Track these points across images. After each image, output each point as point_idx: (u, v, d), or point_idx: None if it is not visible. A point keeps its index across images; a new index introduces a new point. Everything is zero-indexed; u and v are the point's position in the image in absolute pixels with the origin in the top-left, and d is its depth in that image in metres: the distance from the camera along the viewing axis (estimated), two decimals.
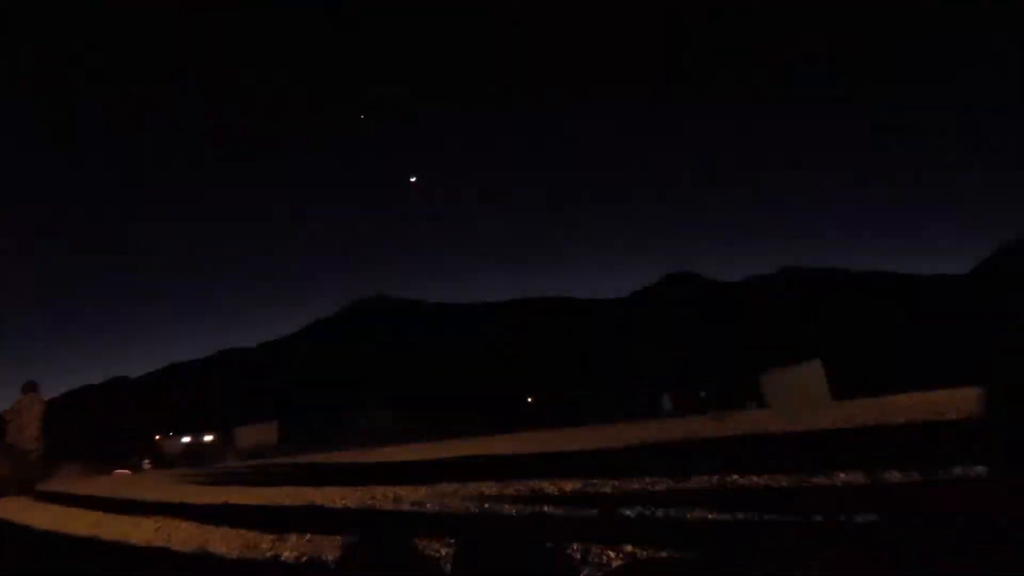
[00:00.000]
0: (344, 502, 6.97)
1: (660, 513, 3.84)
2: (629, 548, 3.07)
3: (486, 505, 5.35)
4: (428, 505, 5.85)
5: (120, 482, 14.01)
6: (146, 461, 38.93)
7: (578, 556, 3.00)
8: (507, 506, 5.12)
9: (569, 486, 5.91)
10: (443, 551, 3.31)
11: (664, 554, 2.87)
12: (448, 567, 2.85)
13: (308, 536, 4.24)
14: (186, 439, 45.40)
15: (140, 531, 5.47)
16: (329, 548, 3.75)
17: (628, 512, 4.03)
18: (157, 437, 61.73)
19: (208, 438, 45.52)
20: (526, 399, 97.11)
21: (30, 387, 9.73)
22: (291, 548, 3.93)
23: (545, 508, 4.66)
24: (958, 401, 11.06)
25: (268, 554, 3.77)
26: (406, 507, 5.83)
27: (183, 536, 4.76)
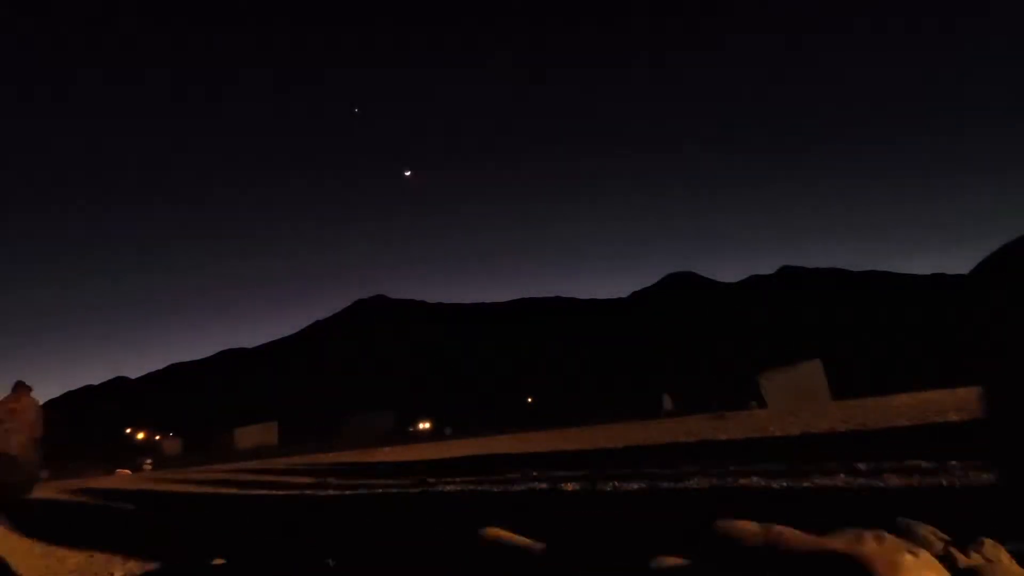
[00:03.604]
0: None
1: (659, 514, 3.84)
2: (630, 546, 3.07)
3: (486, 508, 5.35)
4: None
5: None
6: (147, 461, 38.84)
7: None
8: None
9: (570, 487, 5.90)
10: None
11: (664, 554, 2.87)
12: None
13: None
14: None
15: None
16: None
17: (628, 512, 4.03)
18: (157, 437, 61.69)
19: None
20: (526, 399, 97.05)
21: (24, 388, 9.01)
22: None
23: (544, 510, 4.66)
24: (958, 401, 11.07)
25: None
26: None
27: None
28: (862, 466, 4.77)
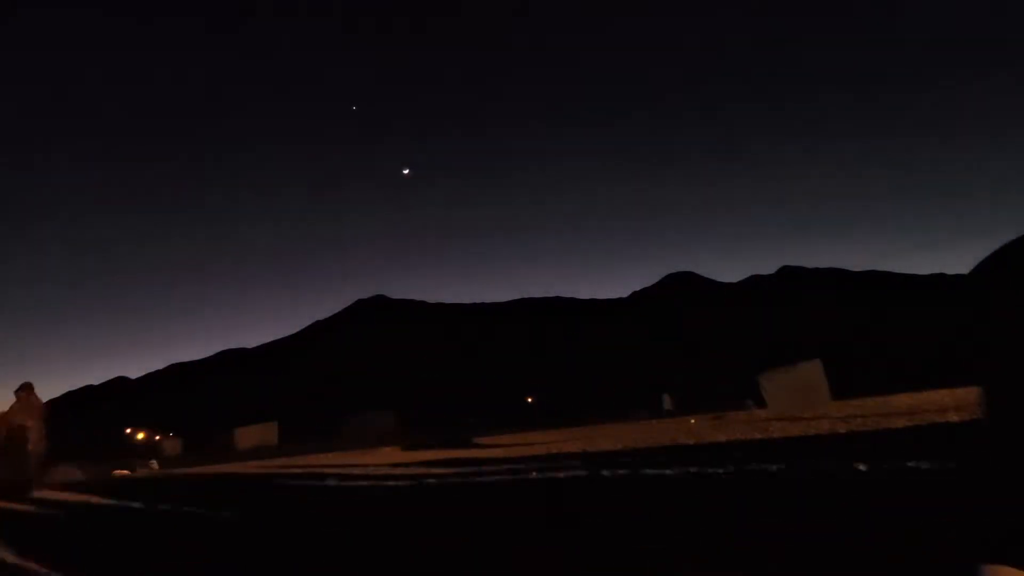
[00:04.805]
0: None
1: (659, 515, 3.84)
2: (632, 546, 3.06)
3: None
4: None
5: None
6: (151, 462, 38.84)
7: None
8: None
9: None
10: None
11: (664, 555, 2.87)
12: None
13: None
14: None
15: None
16: None
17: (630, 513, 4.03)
18: (157, 437, 61.66)
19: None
20: (526, 399, 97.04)
21: (28, 388, 9.05)
22: None
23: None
24: (958, 401, 11.07)
25: None
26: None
27: None
28: (863, 466, 4.76)
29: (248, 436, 42.01)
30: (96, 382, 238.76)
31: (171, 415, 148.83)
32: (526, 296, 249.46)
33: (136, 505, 7.08)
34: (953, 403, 10.59)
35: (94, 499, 8.20)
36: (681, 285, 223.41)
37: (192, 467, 25.61)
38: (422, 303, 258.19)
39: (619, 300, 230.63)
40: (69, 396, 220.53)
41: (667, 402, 42.38)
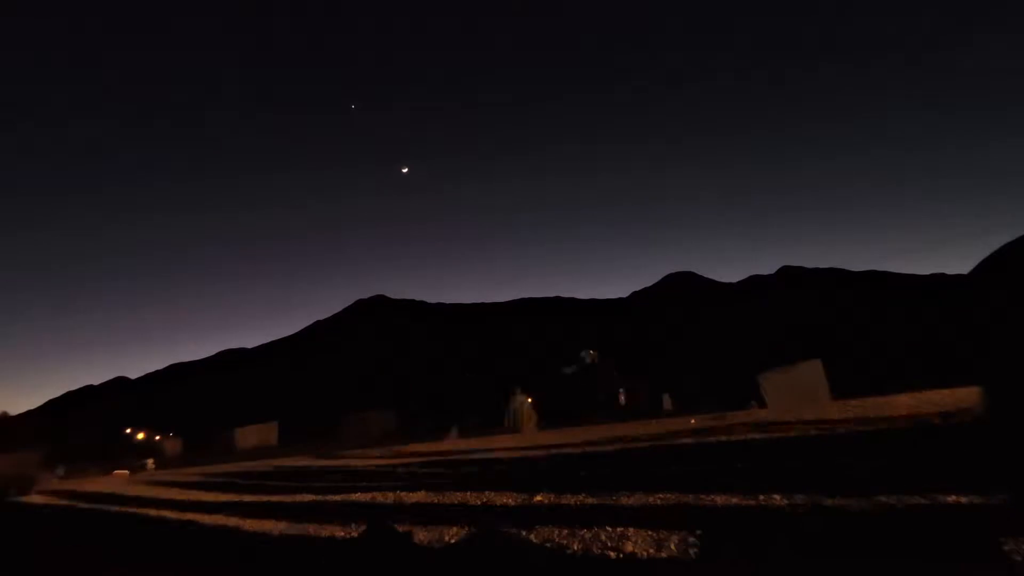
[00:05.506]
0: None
1: (659, 515, 3.83)
2: (630, 548, 3.07)
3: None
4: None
5: None
6: (149, 461, 38.87)
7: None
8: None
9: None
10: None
11: (664, 555, 2.87)
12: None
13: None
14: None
15: None
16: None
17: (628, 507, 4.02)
18: (157, 437, 61.61)
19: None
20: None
21: None
22: None
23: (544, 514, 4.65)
24: (958, 401, 11.07)
25: None
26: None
27: None
28: (863, 465, 4.76)
29: (248, 436, 42.03)
30: (96, 382, 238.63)
31: (171, 415, 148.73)
32: (526, 296, 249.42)
33: None
34: (953, 403, 10.59)
35: None
36: (681, 285, 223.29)
37: (191, 467, 25.59)
38: (422, 303, 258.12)
39: (619, 300, 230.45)
40: (69, 396, 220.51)
41: (667, 402, 42.30)
